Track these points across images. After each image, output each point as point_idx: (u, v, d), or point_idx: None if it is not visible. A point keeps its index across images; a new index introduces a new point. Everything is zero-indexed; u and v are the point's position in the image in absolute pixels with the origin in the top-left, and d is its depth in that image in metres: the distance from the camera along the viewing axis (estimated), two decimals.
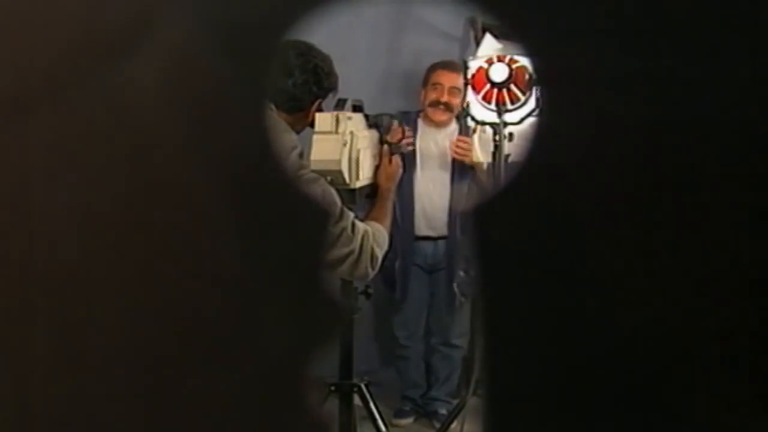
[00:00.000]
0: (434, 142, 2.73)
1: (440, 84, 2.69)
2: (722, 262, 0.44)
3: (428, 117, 2.72)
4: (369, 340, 2.99)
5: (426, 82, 2.74)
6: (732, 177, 0.43)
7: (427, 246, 2.77)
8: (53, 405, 0.46)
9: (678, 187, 0.44)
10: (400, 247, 2.71)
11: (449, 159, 2.71)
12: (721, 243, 0.44)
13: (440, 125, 2.72)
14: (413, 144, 2.55)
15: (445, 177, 2.72)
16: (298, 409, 0.46)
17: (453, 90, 2.66)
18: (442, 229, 2.74)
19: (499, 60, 2.20)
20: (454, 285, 2.74)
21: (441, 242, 2.76)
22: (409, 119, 2.64)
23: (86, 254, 0.45)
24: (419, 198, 2.72)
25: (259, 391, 0.47)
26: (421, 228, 2.75)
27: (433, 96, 2.70)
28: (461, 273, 2.72)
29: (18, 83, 0.44)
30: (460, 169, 2.69)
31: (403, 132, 1.78)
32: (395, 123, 1.77)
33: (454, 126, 2.73)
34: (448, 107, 2.68)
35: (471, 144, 2.61)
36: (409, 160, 2.48)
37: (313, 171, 1.46)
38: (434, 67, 2.73)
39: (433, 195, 2.72)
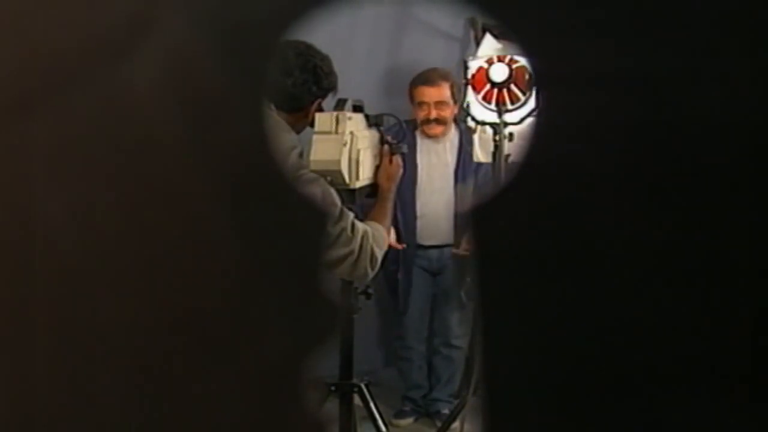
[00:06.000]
0: (435, 154, 2.73)
1: (425, 102, 2.66)
2: (722, 260, 0.44)
3: (424, 132, 2.71)
4: (369, 340, 2.99)
5: (411, 100, 2.71)
6: (731, 176, 0.43)
7: (433, 252, 2.78)
8: (53, 403, 0.46)
9: (677, 186, 0.44)
10: (403, 259, 2.70)
11: (451, 169, 2.70)
12: (721, 241, 0.44)
13: (438, 138, 2.71)
14: (414, 160, 2.56)
15: (448, 187, 2.71)
16: (298, 409, 0.46)
17: (439, 104, 2.64)
18: (447, 238, 2.73)
19: (499, 60, 2.20)
20: (462, 293, 2.74)
21: (447, 249, 2.75)
22: (407, 131, 2.62)
23: (86, 254, 0.45)
24: (422, 210, 2.71)
25: (259, 391, 0.47)
26: (426, 239, 2.74)
27: (421, 115, 2.67)
28: (468, 280, 2.71)
29: (18, 83, 0.44)
30: (464, 175, 2.68)
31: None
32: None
33: (453, 132, 2.73)
34: (439, 121, 2.66)
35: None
36: (410, 172, 2.47)
37: (313, 171, 1.45)
38: (414, 84, 2.69)
39: (437, 206, 2.71)
